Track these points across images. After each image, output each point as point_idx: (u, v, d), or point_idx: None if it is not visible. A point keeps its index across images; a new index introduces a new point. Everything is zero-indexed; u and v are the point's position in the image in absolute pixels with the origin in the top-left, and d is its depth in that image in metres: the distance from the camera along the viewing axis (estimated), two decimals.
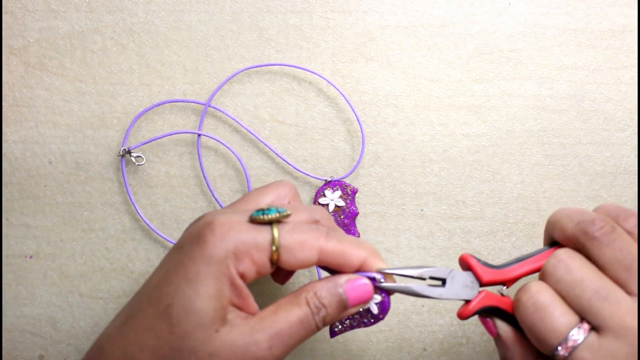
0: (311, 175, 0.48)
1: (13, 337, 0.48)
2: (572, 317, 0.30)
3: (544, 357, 0.32)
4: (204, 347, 0.29)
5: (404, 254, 0.48)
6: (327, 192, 0.47)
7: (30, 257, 0.48)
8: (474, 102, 0.48)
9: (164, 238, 0.48)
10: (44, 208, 0.48)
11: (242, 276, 0.30)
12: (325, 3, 0.48)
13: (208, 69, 0.48)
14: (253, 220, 0.31)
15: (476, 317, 0.35)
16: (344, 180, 0.48)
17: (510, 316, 0.34)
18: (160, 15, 0.48)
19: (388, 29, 0.48)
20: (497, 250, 0.48)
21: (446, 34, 0.48)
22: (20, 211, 0.48)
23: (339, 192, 0.47)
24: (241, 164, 0.47)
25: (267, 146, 0.48)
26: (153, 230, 0.48)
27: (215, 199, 0.48)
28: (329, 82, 0.47)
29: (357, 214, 0.48)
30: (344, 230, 0.47)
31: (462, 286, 0.34)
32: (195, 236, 0.31)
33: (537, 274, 0.34)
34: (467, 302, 0.34)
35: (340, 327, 0.36)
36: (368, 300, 0.33)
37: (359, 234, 0.48)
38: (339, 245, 0.32)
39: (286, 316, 0.31)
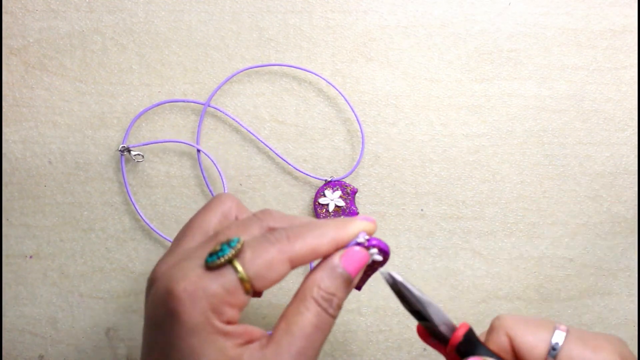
0: (311, 175, 0.48)
1: (13, 337, 0.48)
2: None
3: None
4: None
5: (404, 254, 0.48)
6: (327, 192, 0.47)
7: (30, 257, 0.48)
8: (474, 102, 0.48)
9: (164, 238, 0.48)
10: (44, 208, 0.48)
11: (230, 322, 0.29)
12: (325, 3, 0.48)
13: (208, 69, 0.48)
14: (211, 268, 0.29)
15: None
16: (344, 180, 0.48)
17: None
18: (160, 15, 0.48)
19: (388, 29, 0.48)
20: (497, 250, 0.48)
21: (446, 34, 0.48)
22: (20, 211, 0.48)
23: (339, 192, 0.47)
24: (221, 176, 0.47)
25: (267, 146, 0.48)
26: (153, 230, 0.48)
27: None
28: (328, 82, 0.47)
29: (357, 214, 0.48)
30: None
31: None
32: (166, 313, 0.28)
33: None
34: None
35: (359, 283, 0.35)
36: (367, 261, 0.32)
37: None
38: (305, 244, 0.30)
39: (301, 329, 0.29)
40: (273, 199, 0.48)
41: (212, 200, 0.34)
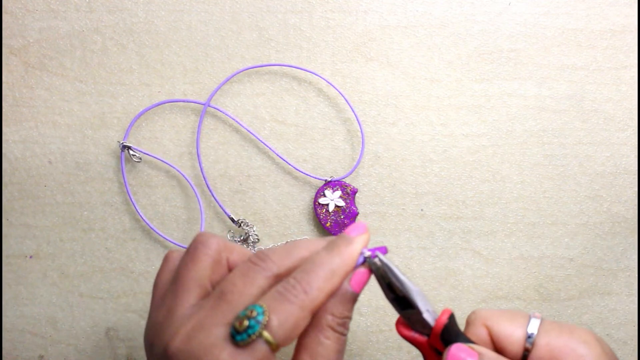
0: (311, 175, 0.48)
1: (13, 337, 0.48)
2: None
3: None
4: None
5: (404, 254, 0.48)
6: (327, 192, 0.47)
7: (30, 257, 0.48)
8: (474, 102, 0.48)
9: (164, 238, 0.48)
10: (44, 208, 0.48)
11: None
12: (325, 3, 0.48)
13: (208, 69, 0.48)
14: (242, 346, 0.28)
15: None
16: (344, 180, 0.48)
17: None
18: (160, 15, 0.48)
19: (388, 29, 0.48)
20: (497, 250, 0.48)
21: (446, 34, 0.48)
22: (20, 211, 0.48)
23: (339, 192, 0.47)
24: (194, 191, 0.47)
25: (267, 146, 0.48)
26: (153, 230, 0.48)
27: (215, 199, 0.48)
28: (328, 82, 0.47)
29: (357, 214, 0.48)
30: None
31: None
32: None
33: None
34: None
35: None
36: (369, 277, 0.32)
37: None
38: (322, 292, 0.30)
39: (326, 358, 0.30)
40: (273, 199, 0.48)
41: (196, 246, 0.32)
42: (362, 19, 0.48)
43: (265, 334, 0.28)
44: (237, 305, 0.29)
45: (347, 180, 0.48)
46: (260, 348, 0.28)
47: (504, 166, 0.48)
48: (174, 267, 0.33)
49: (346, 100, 0.48)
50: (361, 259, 0.32)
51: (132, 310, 0.48)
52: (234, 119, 0.48)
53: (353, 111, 0.48)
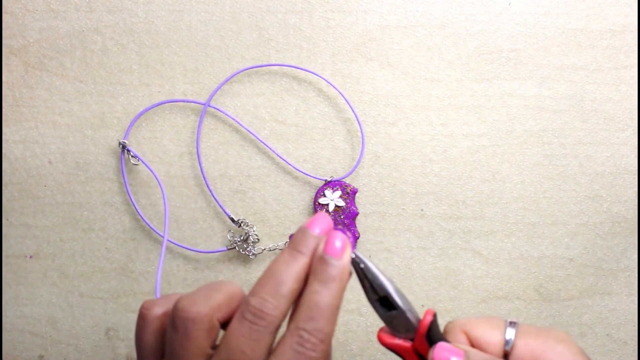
0: (311, 175, 0.48)
1: (13, 337, 0.48)
2: None
3: None
4: None
5: (404, 254, 0.48)
6: (327, 192, 0.47)
7: (30, 257, 0.48)
8: (474, 102, 0.48)
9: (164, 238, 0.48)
10: (44, 208, 0.48)
11: None
12: (325, 3, 0.48)
13: (208, 69, 0.48)
14: None
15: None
16: (344, 180, 0.48)
17: None
18: (160, 15, 0.48)
19: (388, 29, 0.48)
20: (497, 250, 0.48)
21: (446, 34, 0.48)
22: (20, 211, 0.48)
23: (339, 192, 0.47)
24: (162, 193, 0.47)
25: (267, 146, 0.48)
26: (153, 230, 0.48)
27: (215, 199, 0.48)
28: (328, 82, 0.47)
29: (357, 214, 0.48)
30: (344, 229, 0.47)
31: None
32: None
33: None
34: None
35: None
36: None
37: (359, 234, 0.48)
38: (333, 329, 0.30)
39: None
40: (273, 199, 0.48)
41: (186, 325, 0.30)
42: (362, 19, 0.48)
43: None
44: None
45: (347, 180, 0.48)
46: None
47: (504, 166, 0.48)
48: (156, 327, 0.32)
49: (346, 100, 0.48)
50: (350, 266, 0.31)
51: (132, 310, 0.48)
52: (234, 119, 0.48)
53: (353, 111, 0.48)
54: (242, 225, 0.47)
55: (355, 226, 0.48)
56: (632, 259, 0.49)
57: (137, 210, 0.48)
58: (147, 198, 0.48)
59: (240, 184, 0.48)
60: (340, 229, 0.47)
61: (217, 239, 0.48)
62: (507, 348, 0.30)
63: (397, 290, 0.31)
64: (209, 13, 0.48)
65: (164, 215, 0.48)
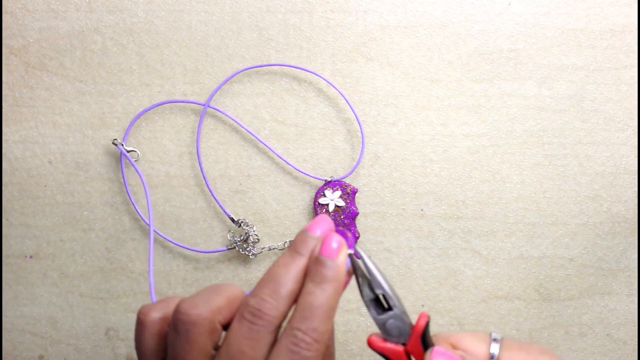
0: (311, 175, 0.48)
1: (13, 337, 0.48)
2: None
3: None
4: None
5: (404, 254, 0.48)
6: (327, 192, 0.47)
7: (30, 257, 0.48)
8: (474, 102, 0.48)
9: (164, 238, 0.48)
10: (44, 208, 0.48)
11: None
12: (325, 3, 0.48)
13: (208, 69, 0.48)
14: None
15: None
16: (344, 180, 0.48)
17: None
18: (160, 15, 0.48)
19: (388, 29, 0.48)
20: (497, 250, 0.48)
21: (446, 34, 0.48)
22: (20, 211, 0.48)
23: (339, 192, 0.47)
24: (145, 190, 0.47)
25: (267, 146, 0.48)
26: (153, 230, 0.48)
27: (215, 199, 0.48)
28: (328, 82, 0.47)
29: (357, 214, 0.48)
30: (346, 230, 0.47)
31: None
32: None
33: None
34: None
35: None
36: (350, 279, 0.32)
37: (359, 234, 0.48)
38: (328, 329, 0.30)
39: None
40: (273, 199, 0.48)
41: (187, 329, 0.30)
42: (362, 19, 0.48)
43: None
44: None
45: (347, 180, 0.48)
46: None
47: (504, 166, 0.48)
48: (154, 332, 0.32)
49: (346, 100, 0.48)
50: (348, 263, 0.31)
51: (132, 310, 0.48)
52: (234, 119, 0.48)
53: (353, 111, 0.48)
54: (242, 225, 0.47)
55: (355, 226, 0.48)
56: (632, 259, 0.49)
57: (137, 210, 0.48)
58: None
59: (240, 184, 0.48)
60: (341, 231, 0.47)
61: (217, 239, 0.48)
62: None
63: (394, 291, 0.31)
64: (209, 13, 0.48)
65: (147, 208, 0.48)
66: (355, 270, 0.31)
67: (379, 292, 0.31)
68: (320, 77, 0.48)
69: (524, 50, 0.48)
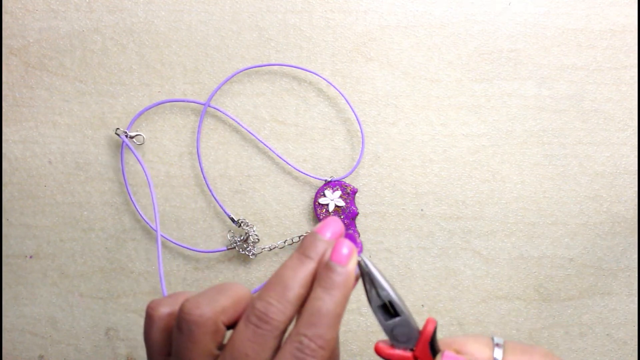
0: (311, 175, 0.48)
1: (13, 337, 0.48)
2: None
3: None
4: None
5: (404, 254, 0.48)
6: (327, 192, 0.47)
7: (30, 257, 0.48)
8: (474, 102, 0.48)
9: (164, 238, 0.48)
10: (44, 208, 0.48)
11: None
12: (325, 3, 0.48)
13: (208, 69, 0.48)
14: None
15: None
16: (344, 180, 0.48)
17: None
18: (160, 15, 0.48)
19: (388, 29, 0.48)
20: (497, 250, 0.48)
21: (446, 34, 0.48)
22: (20, 211, 0.48)
23: (339, 192, 0.47)
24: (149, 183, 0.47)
25: (267, 146, 0.48)
26: (153, 229, 0.48)
27: (215, 199, 0.48)
28: (328, 82, 0.47)
29: (357, 214, 0.48)
30: (355, 234, 0.47)
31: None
32: None
33: None
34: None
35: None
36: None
37: (359, 234, 0.48)
38: (334, 337, 0.30)
39: None
40: (273, 199, 0.48)
41: (190, 328, 0.30)
42: (362, 19, 0.48)
43: None
44: None
45: (347, 180, 0.48)
46: None
47: (504, 166, 0.48)
48: (162, 326, 0.32)
49: (346, 100, 0.48)
50: (357, 270, 0.31)
51: (132, 310, 0.48)
52: (234, 119, 0.48)
53: (353, 111, 0.48)
54: (242, 225, 0.47)
55: (355, 226, 0.48)
56: (632, 259, 0.49)
57: (137, 210, 0.48)
58: (147, 198, 0.48)
59: (240, 184, 0.48)
60: (350, 235, 0.47)
61: (217, 239, 0.48)
62: None
63: (400, 298, 0.31)
64: (209, 13, 0.48)
65: (153, 209, 0.48)
66: (363, 276, 0.31)
67: (385, 298, 0.31)
68: (320, 77, 0.48)
69: (524, 50, 0.48)
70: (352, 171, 0.48)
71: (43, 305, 0.48)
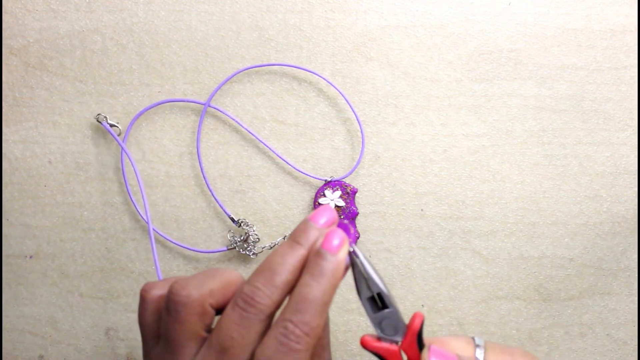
0: (311, 175, 0.48)
1: (13, 337, 0.48)
2: None
3: None
4: None
5: (404, 254, 0.48)
6: (327, 192, 0.47)
7: (30, 257, 0.48)
8: (474, 102, 0.48)
9: (164, 238, 0.48)
10: (44, 208, 0.48)
11: None
12: (325, 3, 0.48)
13: (208, 69, 0.48)
14: None
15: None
16: (344, 180, 0.48)
17: None
18: (160, 15, 0.48)
19: (388, 29, 0.48)
20: (497, 250, 0.48)
21: (446, 34, 0.48)
22: (20, 211, 0.48)
23: (339, 192, 0.47)
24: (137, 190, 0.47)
25: (267, 146, 0.48)
26: (154, 229, 0.48)
27: (215, 199, 0.48)
28: (328, 82, 0.47)
29: (357, 214, 0.48)
30: (349, 224, 0.47)
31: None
32: None
33: None
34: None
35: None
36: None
37: (358, 234, 0.48)
38: (320, 325, 0.29)
39: None
40: (273, 199, 0.48)
41: (177, 309, 0.30)
42: (362, 19, 0.48)
43: None
44: (242, 356, 0.29)
45: (347, 180, 0.48)
46: None
47: (504, 166, 0.48)
48: (154, 309, 0.32)
49: (346, 100, 0.48)
50: (347, 258, 0.31)
51: (132, 310, 0.48)
52: (234, 119, 0.48)
53: (353, 111, 0.48)
54: (242, 225, 0.47)
55: (355, 226, 0.48)
56: (632, 259, 0.49)
57: (137, 210, 0.48)
58: (147, 198, 0.48)
59: (240, 184, 0.48)
60: (344, 225, 0.47)
61: (217, 239, 0.48)
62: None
63: (389, 291, 0.31)
64: (209, 13, 0.48)
65: (142, 198, 0.48)
66: (354, 267, 0.31)
67: (374, 290, 0.31)
68: (320, 77, 0.48)
69: (524, 50, 0.48)
70: (352, 171, 0.48)
71: (43, 305, 0.48)
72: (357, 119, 0.48)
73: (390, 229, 0.48)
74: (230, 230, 0.48)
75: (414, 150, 0.48)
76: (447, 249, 0.48)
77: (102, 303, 0.48)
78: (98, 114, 0.47)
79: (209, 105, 0.48)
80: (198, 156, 0.48)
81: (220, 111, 0.48)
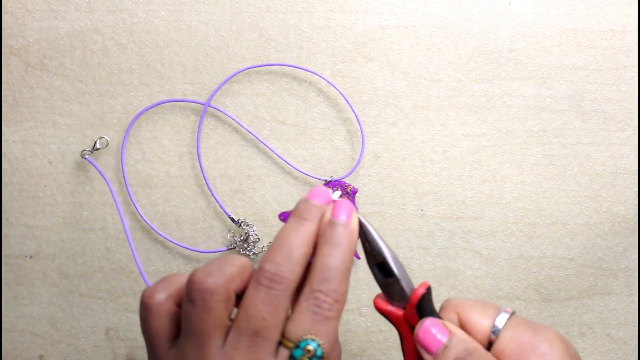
0: (311, 175, 0.48)
1: (13, 337, 0.48)
2: None
3: None
4: None
5: (404, 254, 0.48)
6: None
7: (30, 257, 0.48)
8: (474, 102, 0.48)
9: (164, 238, 0.48)
10: (44, 208, 0.48)
11: None
12: (325, 3, 0.48)
13: (208, 69, 0.48)
14: None
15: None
16: (344, 180, 0.48)
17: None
18: (160, 15, 0.48)
19: (388, 29, 0.48)
20: (497, 250, 0.48)
21: (446, 34, 0.48)
22: (20, 211, 0.48)
23: (339, 192, 0.47)
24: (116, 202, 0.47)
25: (267, 146, 0.48)
26: (153, 229, 0.48)
27: (215, 199, 0.48)
28: (329, 82, 0.47)
29: None
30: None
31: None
32: None
33: None
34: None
35: None
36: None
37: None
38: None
39: None
40: (273, 199, 0.48)
41: (204, 297, 0.29)
42: (362, 19, 0.48)
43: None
44: (275, 336, 0.29)
45: (347, 180, 0.48)
46: None
47: (504, 166, 0.48)
48: (163, 313, 0.31)
49: (346, 100, 0.48)
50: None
51: (132, 310, 0.48)
52: (234, 119, 0.48)
53: (353, 111, 0.48)
54: (242, 225, 0.47)
55: None
56: (632, 259, 0.49)
57: (137, 210, 0.48)
58: (147, 198, 0.48)
59: (240, 184, 0.48)
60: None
61: (217, 239, 0.48)
62: (493, 337, 0.31)
63: (395, 258, 0.32)
64: (209, 13, 0.48)
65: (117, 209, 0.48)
66: (360, 235, 0.32)
67: (379, 259, 0.31)
68: (320, 77, 0.48)
69: (524, 50, 0.48)
70: (352, 171, 0.48)
71: (43, 305, 0.48)
72: (357, 119, 0.48)
73: (390, 229, 0.48)
74: (230, 230, 0.48)
75: (414, 150, 0.48)
76: (447, 249, 0.48)
77: (102, 303, 0.48)
78: (83, 150, 0.47)
79: (209, 105, 0.48)
80: (198, 156, 0.48)
81: (220, 111, 0.48)
